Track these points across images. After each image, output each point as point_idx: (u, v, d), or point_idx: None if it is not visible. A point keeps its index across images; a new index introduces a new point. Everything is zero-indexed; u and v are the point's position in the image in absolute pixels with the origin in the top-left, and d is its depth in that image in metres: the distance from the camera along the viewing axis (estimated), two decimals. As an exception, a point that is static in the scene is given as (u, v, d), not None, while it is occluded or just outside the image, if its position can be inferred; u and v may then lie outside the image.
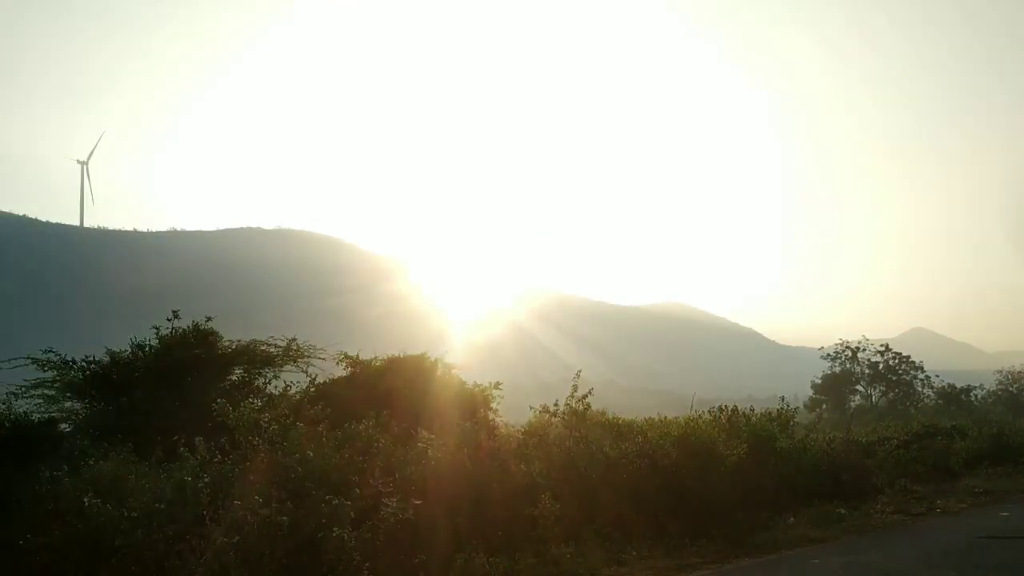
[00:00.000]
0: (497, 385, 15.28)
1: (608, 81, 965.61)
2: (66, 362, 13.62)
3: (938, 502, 16.02)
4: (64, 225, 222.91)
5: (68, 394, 13.68)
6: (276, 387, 14.59)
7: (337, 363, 15.33)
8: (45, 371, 13.51)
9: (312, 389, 14.28)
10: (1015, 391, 53.46)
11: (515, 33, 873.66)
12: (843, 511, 14.04)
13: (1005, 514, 14.88)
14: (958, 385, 52.79)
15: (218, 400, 10.27)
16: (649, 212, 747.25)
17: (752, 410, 16.53)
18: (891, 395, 55.52)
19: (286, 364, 15.24)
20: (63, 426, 12.88)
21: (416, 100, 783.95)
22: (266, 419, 9.61)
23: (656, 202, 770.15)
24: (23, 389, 13.07)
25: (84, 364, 13.71)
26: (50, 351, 13.65)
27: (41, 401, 13.38)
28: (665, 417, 15.74)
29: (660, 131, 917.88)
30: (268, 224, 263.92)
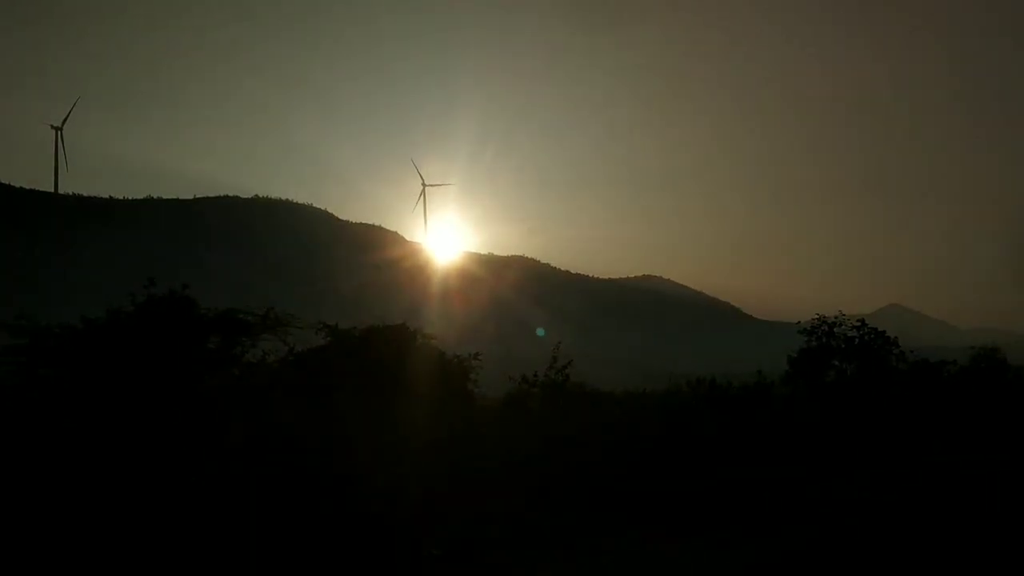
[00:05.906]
0: (476, 356, 15.24)
1: (588, 53, 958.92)
2: (40, 329, 13.41)
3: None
4: (38, 191, 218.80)
5: (42, 361, 13.47)
6: (254, 355, 14.47)
7: (316, 332, 15.22)
8: (18, 338, 13.31)
9: (291, 358, 14.18)
10: (985, 368, 54.26)
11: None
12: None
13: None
14: (932, 361, 53.45)
15: (195, 367, 10.16)
16: (628, 182, 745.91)
17: (730, 384, 16.68)
18: (865, 371, 56.08)
19: (264, 333, 15.10)
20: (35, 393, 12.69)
21: (392, 62, 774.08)
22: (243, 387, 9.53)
23: (634, 172, 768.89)
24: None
25: (59, 331, 13.50)
26: (22, 318, 13.43)
27: (14, 368, 13.17)
28: (644, 390, 15.85)
29: (639, 101, 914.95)
30: (246, 193, 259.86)
